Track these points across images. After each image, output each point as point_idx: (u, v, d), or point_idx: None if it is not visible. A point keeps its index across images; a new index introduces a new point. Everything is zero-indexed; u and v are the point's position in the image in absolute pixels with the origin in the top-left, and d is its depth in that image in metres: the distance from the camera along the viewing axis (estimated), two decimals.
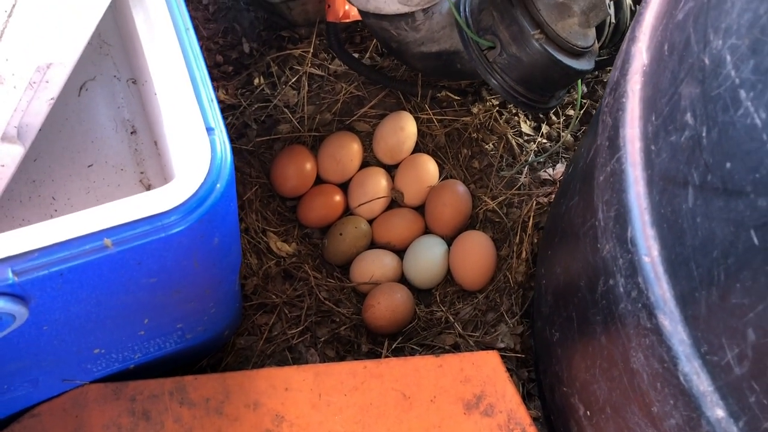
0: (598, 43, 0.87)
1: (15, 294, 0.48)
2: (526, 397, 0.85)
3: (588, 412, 0.64)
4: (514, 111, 1.02)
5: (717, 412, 0.44)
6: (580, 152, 0.71)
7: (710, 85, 0.43)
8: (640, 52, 0.55)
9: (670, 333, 0.47)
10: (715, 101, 0.42)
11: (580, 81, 0.90)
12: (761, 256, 0.39)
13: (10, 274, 0.46)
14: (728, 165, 0.41)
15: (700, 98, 0.44)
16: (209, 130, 0.52)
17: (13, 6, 0.50)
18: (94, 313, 0.56)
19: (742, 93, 0.39)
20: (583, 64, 0.79)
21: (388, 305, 0.87)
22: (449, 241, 0.94)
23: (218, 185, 0.51)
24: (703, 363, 0.45)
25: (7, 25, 0.50)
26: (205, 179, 0.50)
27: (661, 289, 0.48)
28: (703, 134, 0.43)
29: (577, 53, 0.78)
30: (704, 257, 0.44)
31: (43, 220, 0.65)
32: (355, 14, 0.95)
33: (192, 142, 0.52)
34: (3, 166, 0.57)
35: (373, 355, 0.87)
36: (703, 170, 0.43)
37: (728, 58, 0.41)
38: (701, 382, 0.45)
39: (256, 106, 0.99)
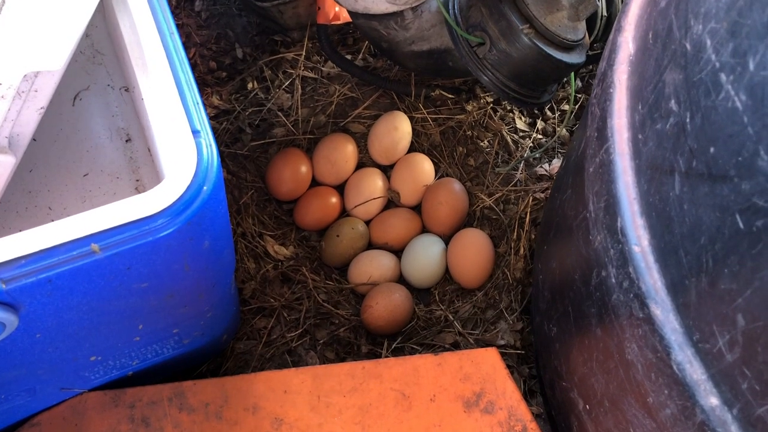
0: (590, 37, 0.87)
1: (4, 302, 0.48)
2: (528, 394, 0.85)
3: (587, 406, 0.64)
4: (508, 108, 1.02)
5: (711, 400, 0.44)
6: (572, 145, 0.71)
7: (692, 70, 0.42)
8: (626, 42, 0.55)
9: (662, 322, 0.46)
10: (697, 86, 0.42)
11: (573, 75, 0.90)
12: (747, 240, 0.38)
13: None
14: (712, 150, 0.40)
15: (684, 84, 0.43)
16: (195, 132, 0.52)
17: None
18: (86, 319, 0.56)
19: (723, 76, 0.39)
20: (574, 58, 0.79)
21: (387, 305, 0.86)
22: (447, 239, 0.93)
23: (205, 187, 0.51)
24: (695, 351, 0.45)
25: None
26: (191, 182, 0.50)
27: (652, 279, 0.47)
28: (687, 120, 0.43)
29: (567, 47, 0.78)
30: (692, 244, 0.43)
31: None
32: (345, 16, 0.95)
33: (179, 145, 0.52)
34: None
35: (373, 355, 0.87)
36: (688, 156, 0.43)
37: (708, 42, 0.41)
38: (694, 371, 0.45)
39: (250, 110, 0.99)
